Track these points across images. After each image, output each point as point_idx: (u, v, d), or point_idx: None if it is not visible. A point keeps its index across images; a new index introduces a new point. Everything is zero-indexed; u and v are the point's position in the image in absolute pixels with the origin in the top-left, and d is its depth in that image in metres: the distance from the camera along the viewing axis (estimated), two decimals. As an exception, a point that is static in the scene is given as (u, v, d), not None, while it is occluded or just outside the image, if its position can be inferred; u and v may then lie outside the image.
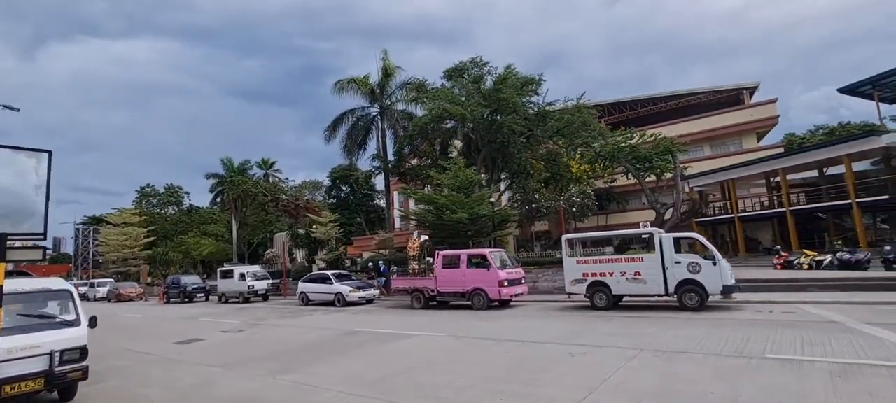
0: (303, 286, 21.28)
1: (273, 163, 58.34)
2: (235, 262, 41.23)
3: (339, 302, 19.28)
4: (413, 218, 25.05)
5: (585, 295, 13.84)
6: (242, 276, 25.29)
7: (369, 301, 19.87)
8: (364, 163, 32.79)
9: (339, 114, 30.80)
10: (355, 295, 19.16)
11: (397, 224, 38.01)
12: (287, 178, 66.55)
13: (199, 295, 28.63)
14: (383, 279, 22.42)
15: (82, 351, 6.77)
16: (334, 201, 52.51)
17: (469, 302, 15.81)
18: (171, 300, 28.89)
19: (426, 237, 17.55)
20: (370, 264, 22.70)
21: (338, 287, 19.57)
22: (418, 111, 30.01)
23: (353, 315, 16.33)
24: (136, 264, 48.16)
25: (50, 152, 4.91)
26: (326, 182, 56.52)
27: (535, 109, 26.88)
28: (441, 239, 20.79)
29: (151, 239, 50.78)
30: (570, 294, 14.46)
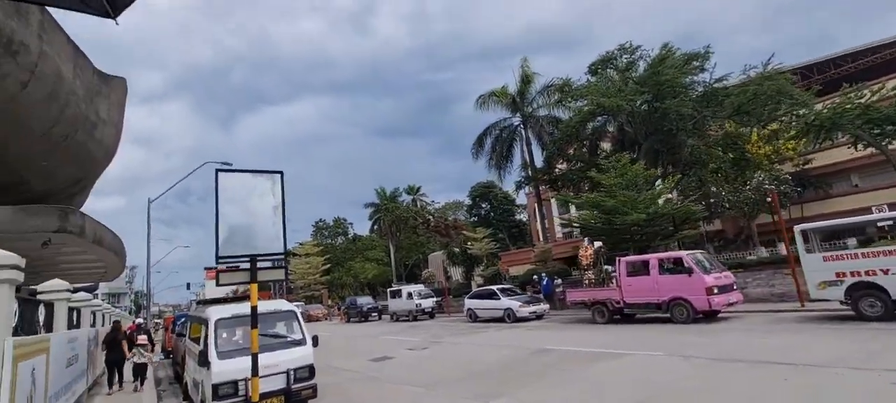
0: (470, 302, 21.15)
1: (418, 188, 61.56)
2: (396, 283, 44.06)
3: (509, 317, 18.50)
4: (575, 224, 23.23)
5: (844, 302, 10.46)
6: (410, 295, 26.52)
7: (539, 316, 18.68)
8: (512, 175, 32.18)
9: (484, 128, 30.86)
10: (526, 311, 18.17)
11: (558, 233, 36.18)
12: (433, 201, 70.03)
13: (373, 314, 31.00)
14: (547, 293, 21.07)
15: (310, 370, 7.00)
16: (475, 219, 53.10)
17: (664, 315, 13.47)
18: (351, 319, 31.84)
19: (600, 244, 15.77)
20: (535, 277, 21.60)
21: (506, 302, 18.86)
22: (563, 114, 28.39)
23: (529, 331, 15.32)
24: (317, 288, 55.35)
25: (281, 173, 5.00)
26: (466, 201, 57.87)
27: (703, 88, 22.95)
28: (612, 246, 18.62)
29: (328, 266, 57.91)
30: (813, 300, 11.17)
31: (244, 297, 10.54)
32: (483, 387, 7.87)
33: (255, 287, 4.58)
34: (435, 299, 27.23)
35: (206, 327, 7.07)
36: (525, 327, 16.70)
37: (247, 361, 6.53)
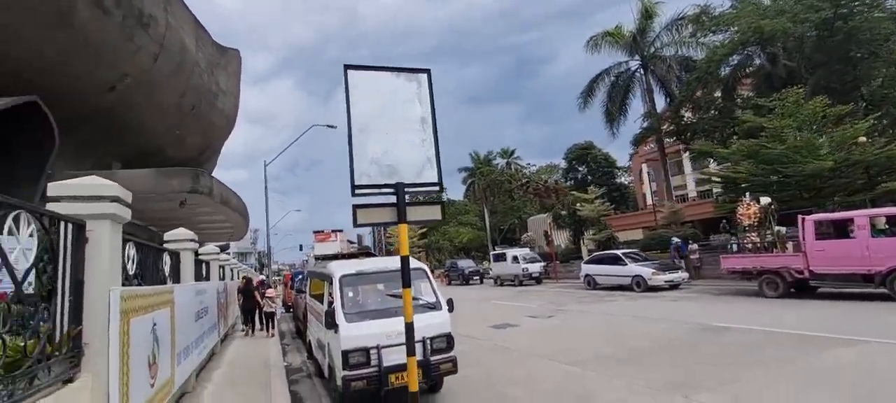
0: (588, 268, 19.03)
1: (512, 151, 59.12)
2: (500, 246, 42.92)
3: (639, 286, 16.11)
4: (719, 179, 19.62)
5: None
6: (515, 259, 25.07)
7: (675, 285, 16.02)
8: (627, 129, 28.50)
9: (595, 76, 27.47)
10: (660, 279, 15.64)
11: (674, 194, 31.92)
12: (529, 164, 66.98)
13: (474, 277, 30.23)
14: (681, 258, 18.12)
15: (448, 340, 5.78)
16: (571, 182, 49.72)
17: (870, 289, 10.24)
18: (452, 282, 31.47)
19: (770, 200, 12.58)
20: (675, 240, 18.70)
21: (635, 268, 16.44)
22: (695, 53, 23.97)
23: (674, 302, 12.93)
24: (415, 252, 56.67)
25: (428, 72, 3.56)
26: (562, 164, 54.61)
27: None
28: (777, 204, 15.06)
29: (424, 229, 58.84)
30: None
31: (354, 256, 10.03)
32: (660, 371, 6.06)
33: (404, 230, 3.31)
34: (541, 264, 25.45)
35: (330, 284, 6.18)
36: (662, 297, 14.27)
37: (379, 326, 5.50)
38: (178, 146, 24.22)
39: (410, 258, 7.18)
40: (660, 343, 7.98)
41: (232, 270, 15.09)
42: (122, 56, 16.58)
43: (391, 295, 6.23)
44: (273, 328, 12.29)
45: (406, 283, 3.47)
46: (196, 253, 9.83)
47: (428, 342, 5.48)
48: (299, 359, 9.80)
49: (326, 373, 6.26)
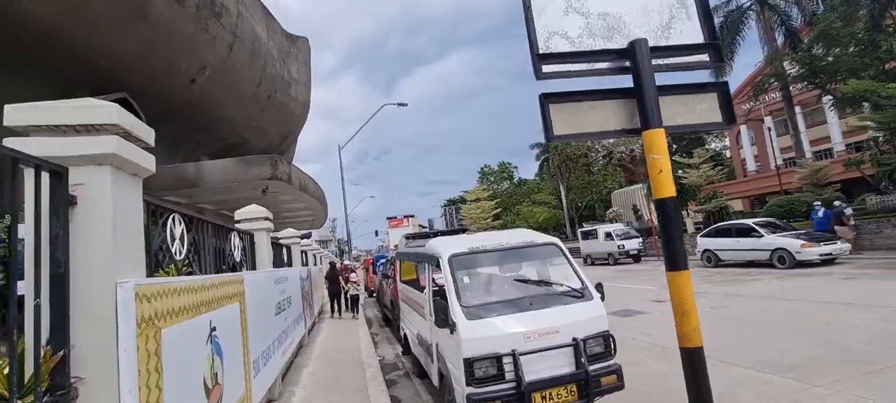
0: (707, 242, 16.13)
1: (591, 119, 55.17)
2: (589, 224, 40.08)
3: (783, 261, 13.11)
4: (877, 127, 15.62)
5: None
6: (608, 236, 22.51)
7: (831, 259, 12.84)
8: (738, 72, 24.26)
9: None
10: (813, 252, 12.55)
11: (777, 159, 27.04)
12: (606, 135, 61.95)
13: (559, 258, 27.97)
14: (822, 228, 14.65)
15: (607, 341, 4.09)
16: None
17: None
18: (535, 263, 29.36)
19: None
20: (837, 204, 15.18)
21: (777, 240, 13.42)
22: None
23: (847, 281, 10.06)
24: (488, 229, 55.21)
25: None
26: None
27: None
28: None
29: (497, 209, 57.08)
30: None
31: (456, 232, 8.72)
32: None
33: (658, 139, 1.64)
34: (639, 240, 22.61)
35: (435, 268, 4.74)
36: (821, 274, 11.32)
37: (514, 323, 3.88)
38: (260, 136, 24.62)
39: (532, 232, 5.57)
40: (883, 337, 5.65)
41: (315, 256, 14.71)
42: (199, 47, 16.55)
43: (519, 281, 4.65)
44: (357, 311, 12.72)
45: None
46: (275, 239, 9.00)
47: (581, 344, 3.83)
48: (391, 352, 8.69)
49: (435, 381, 4.86)
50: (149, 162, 2.09)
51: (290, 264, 8.76)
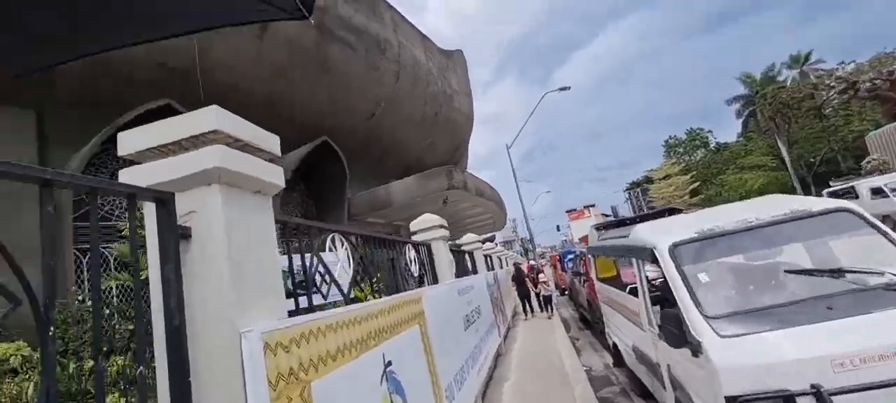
0: None
1: (807, 55, 42.89)
2: (839, 181, 31.03)
3: None
4: None
5: None
6: (878, 191, 16.37)
7: None
8: None
9: None
10: None
11: None
12: (841, 64, 47.25)
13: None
14: None
15: None
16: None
17: None
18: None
19: None
20: None
21: None
22: None
23: None
24: (690, 209, 47.61)
25: None
26: None
27: None
28: None
29: (695, 183, 48.90)
30: None
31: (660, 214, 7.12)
32: None
33: None
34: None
35: (649, 262, 3.57)
36: None
37: (806, 338, 2.54)
38: (431, 152, 26.29)
39: (796, 198, 3.80)
40: None
41: (500, 259, 14.54)
42: (372, 83, 18.42)
43: (795, 273, 3.11)
44: (552, 310, 12.37)
45: None
46: (458, 246, 8.85)
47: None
48: (598, 361, 7.55)
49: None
50: (275, 175, 1.67)
51: (474, 271, 8.48)
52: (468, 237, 8.98)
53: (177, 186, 1.41)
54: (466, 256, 7.82)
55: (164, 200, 1.36)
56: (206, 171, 1.39)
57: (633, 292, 4.35)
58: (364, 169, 20.72)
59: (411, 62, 20.92)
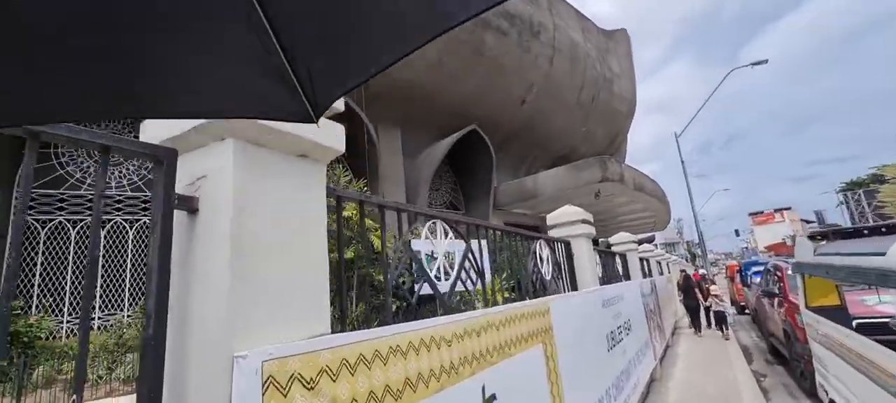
0: None
1: None
2: None
3: None
4: None
5: None
6: None
7: None
8: None
9: None
10: None
11: None
12: None
13: None
14: None
15: None
16: None
17: None
18: None
19: None
20: None
21: None
22: None
23: None
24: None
25: None
26: None
27: None
28: None
29: (824, 230, 35.47)
30: None
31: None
32: None
33: None
34: None
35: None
36: None
37: None
38: (588, 141, 24.35)
39: None
40: None
41: (661, 263, 12.53)
42: (524, 68, 17.69)
43: None
44: (727, 329, 10.54)
45: None
46: (607, 245, 7.69)
47: None
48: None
49: None
50: (331, 135, 1.23)
51: (627, 277, 7.23)
52: (621, 236, 7.73)
53: (182, 143, 1.07)
54: (617, 258, 6.66)
55: (160, 158, 1.01)
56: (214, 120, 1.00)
57: (871, 331, 2.94)
58: (514, 158, 20.26)
59: (567, 44, 19.57)
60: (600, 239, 10.01)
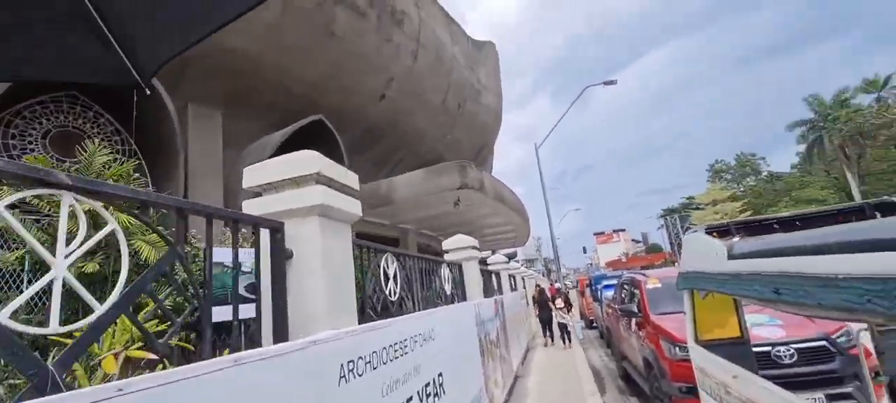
0: None
1: (887, 79, 38.50)
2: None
3: None
4: None
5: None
6: None
7: None
8: None
9: None
10: None
11: None
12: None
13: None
14: None
15: None
16: None
17: None
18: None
19: None
20: None
21: None
22: None
23: None
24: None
25: None
26: None
27: None
28: None
29: (748, 212, 44.09)
30: None
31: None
32: None
33: None
34: None
35: None
36: None
37: None
38: (454, 150, 23.30)
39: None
40: None
41: (523, 278, 11.86)
42: (384, 58, 15.71)
43: None
44: (570, 342, 11.37)
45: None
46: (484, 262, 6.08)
47: None
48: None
49: None
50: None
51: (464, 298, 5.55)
52: (496, 257, 6.76)
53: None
54: (493, 276, 5.56)
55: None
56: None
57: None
58: (374, 160, 18.08)
59: (433, 42, 18.13)
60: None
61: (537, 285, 16.86)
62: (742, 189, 58.96)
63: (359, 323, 2.13)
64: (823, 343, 4.07)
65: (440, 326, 3.06)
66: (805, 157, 44.03)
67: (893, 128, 31.36)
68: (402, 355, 2.25)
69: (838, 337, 4.11)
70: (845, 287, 1.36)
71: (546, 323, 12.35)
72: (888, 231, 1.25)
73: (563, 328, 11.56)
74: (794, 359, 4.02)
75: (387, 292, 2.85)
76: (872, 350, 2.83)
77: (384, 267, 2.91)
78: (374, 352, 1.94)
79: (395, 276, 3.01)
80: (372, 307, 2.65)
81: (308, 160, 1.91)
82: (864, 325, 2.79)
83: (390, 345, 2.12)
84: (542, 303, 12.57)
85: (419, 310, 3.23)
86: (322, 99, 14.21)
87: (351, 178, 2.10)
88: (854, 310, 1.35)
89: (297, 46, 12.28)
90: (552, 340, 11.94)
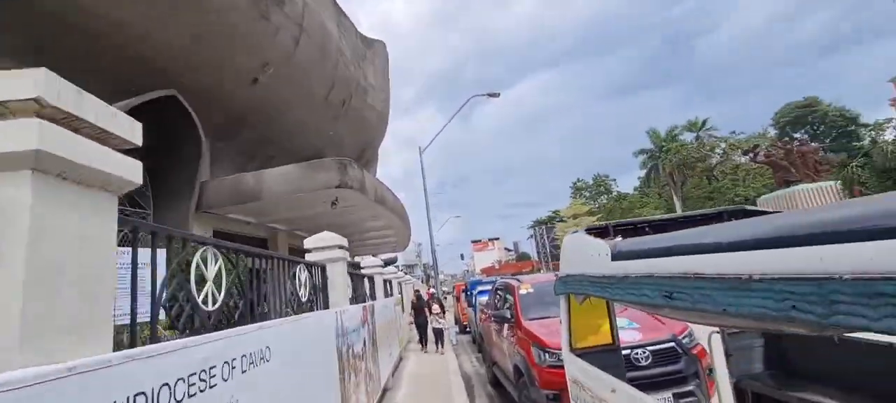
0: None
1: (704, 122, 47.35)
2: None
3: None
4: None
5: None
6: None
7: None
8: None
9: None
10: None
11: None
12: (734, 133, 51.90)
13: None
14: None
15: None
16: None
17: None
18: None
19: None
20: None
21: None
22: None
23: None
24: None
25: None
26: (771, 132, 44.27)
27: None
28: None
29: (602, 225, 50.43)
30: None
31: None
32: None
33: None
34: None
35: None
36: None
37: None
38: (335, 148, 21.85)
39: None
40: None
41: (401, 284, 11.50)
42: (260, 38, 13.96)
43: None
44: (442, 346, 11.50)
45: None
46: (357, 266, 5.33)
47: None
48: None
49: None
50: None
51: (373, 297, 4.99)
52: (370, 260, 5.90)
53: None
54: (366, 280, 4.70)
55: None
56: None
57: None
58: (243, 151, 16.00)
59: (319, 30, 16.90)
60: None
61: (415, 290, 16.81)
62: (598, 205, 67.09)
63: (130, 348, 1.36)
64: (672, 344, 4.30)
65: (280, 343, 2.36)
66: (644, 181, 51.48)
67: (707, 161, 38.38)
68: (199, 391, 1.54)
69: (683, 338, 4.39)
70: (760, 289, 1.10)
71: (422, 328, 12.47)
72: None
73: (438, 333, 11.66)
74: (649, 361, 4.17)
75: (200, 300, 2.08)
76: (722, 352, 2.91)
77: (200, 269, 2.13)
78: (139, 394, 1.21)
79: (217, 279, 2.24)
80: (172, 321, 1.82)
81: (25, 76, 1.11)
82: (717, 328, 2.85)
83: (178, 379, 1.39)
84: (419, 309, 12.66)
85: (253, 323, 2.45)
86: (177, 70, 12.07)
87: (120, 120, 1.25)
88: (768, 318, 1.09)
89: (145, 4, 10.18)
90: (425, 345, 12.09)
